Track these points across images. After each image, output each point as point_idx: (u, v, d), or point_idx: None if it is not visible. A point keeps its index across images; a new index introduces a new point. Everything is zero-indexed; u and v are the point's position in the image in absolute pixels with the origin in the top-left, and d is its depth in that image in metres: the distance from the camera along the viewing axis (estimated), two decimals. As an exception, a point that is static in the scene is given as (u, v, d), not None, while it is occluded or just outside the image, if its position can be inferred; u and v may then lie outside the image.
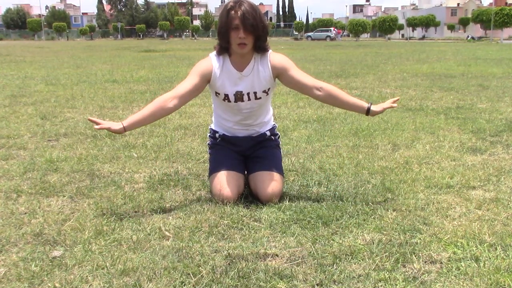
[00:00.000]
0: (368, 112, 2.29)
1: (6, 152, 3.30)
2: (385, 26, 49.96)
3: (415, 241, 1.87)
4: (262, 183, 2.29)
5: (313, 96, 2.32)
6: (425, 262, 1.71)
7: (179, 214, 2.18)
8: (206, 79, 2.26)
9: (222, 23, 2.15)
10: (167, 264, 1.68)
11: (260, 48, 2.24)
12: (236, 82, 2.27)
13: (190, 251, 1.79)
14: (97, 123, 2.08)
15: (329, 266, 1.68)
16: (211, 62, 2.26)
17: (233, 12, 2.10)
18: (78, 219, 2.12)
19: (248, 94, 2.29)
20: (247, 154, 2.47)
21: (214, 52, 2.28)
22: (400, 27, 54.33)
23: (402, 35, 64.66)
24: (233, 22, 2.10)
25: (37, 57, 15.70)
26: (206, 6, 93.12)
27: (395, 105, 2.32)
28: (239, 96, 2.28)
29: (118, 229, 2.00)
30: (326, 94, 2.28)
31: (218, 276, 1.61)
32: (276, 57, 2.32)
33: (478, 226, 2.00)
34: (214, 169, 2.37)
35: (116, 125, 2.11)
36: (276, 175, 2.33)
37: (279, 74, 2.31)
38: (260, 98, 2.33)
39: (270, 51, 2.31)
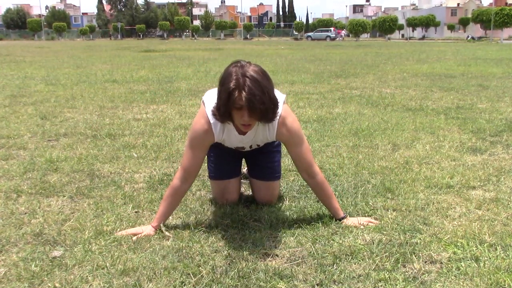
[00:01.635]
0: (339, 220, 2.10)
1: (6, 152, 3.30)
2: (385, 26, 49.95)
3: (415, 241, 1.87)
4: (259, 192, 2.31)
5: (303, 178, 2.19)
6: (425, 262, 1.71)
7: (179, 214, 2.18)
8: (209, 146, 2.10)
9: (222, 101, 1.80)
10: (167, 264, 1.68)
11: (268, 121, 1.93)
12: (238, 140, 2.10)
13: (190, 251, 1.80)
14: (134, 234, 1.95)
15: (329, 266, 1.68)
16: (212, 131, 1.99)
17: (236, 93, 1.74)
18: (78, 219, 2.12)
19: (250, 146, 2.19)
20: (246, 156, 2.43)
21: (212, 117, 1.94)
22: (400, 27, 54.31)
23: (402, 35, 64.64)
24: (236, 103, 1.76)
25: (37, 57, 15.70)
26: (206, 6, 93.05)
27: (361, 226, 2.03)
28: (240, 148, 2.20)
29: (118, 229, 2.00)
30: (313, 186, 2.14)
31: (218, 276, 1.61)
32: (284, 127, 2.00)
33: (478, 226, 2.00)
34: (215, 173, 2.32)
35: (149, 230, 1.97)
36: (273, 184, 2.31)
37: (283, 142, 2.16)
38: (262, 146, 2.26)
39: (280, 114, 1.97)
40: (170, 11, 78.83)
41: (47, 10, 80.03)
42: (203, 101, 2.07)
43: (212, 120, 1.96)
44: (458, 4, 73.81)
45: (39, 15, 71.60)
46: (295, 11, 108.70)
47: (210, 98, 2.01)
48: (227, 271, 1.64)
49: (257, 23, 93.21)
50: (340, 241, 1.87)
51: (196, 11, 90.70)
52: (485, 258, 1.72)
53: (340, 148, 3.38)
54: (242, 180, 2.52)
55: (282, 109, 1.97)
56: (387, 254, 1.75)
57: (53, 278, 1.61)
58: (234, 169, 2.35)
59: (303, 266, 1.69)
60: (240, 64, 1.81)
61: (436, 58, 14.12)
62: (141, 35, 68.24)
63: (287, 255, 1.77)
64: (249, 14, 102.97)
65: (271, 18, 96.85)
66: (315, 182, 2.10)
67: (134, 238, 1.92)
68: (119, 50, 22.16)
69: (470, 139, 3.64)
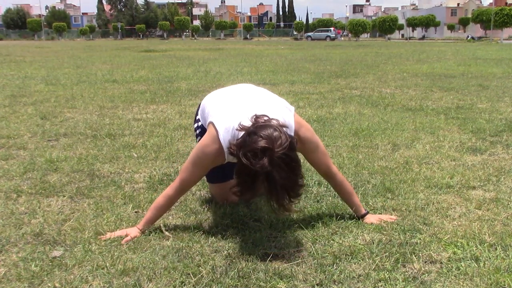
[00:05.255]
0: (361, 217, 2.10)
1: (6, 152, 3.30)
2: (385, 26, 49.93)
3: (415, 241, 1.87)
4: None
5: (324, 179, 2.21)
6: (425, 262, 1.71)
7: (179, 214, 2.18)
8: None
9: (247, 183, 1.67)
10: (167, 264, 1.68)
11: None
12: None
13: (190, 251, 1.79)
14: (119, 236, 1.92)
15: (329, 266, 1.68)
16: (224, 156, 1.88)
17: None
18: (78, 219, 2.12)
19: None
20: None
21: (225, 146, 1.83)
22: (400, 27, 54.30)
23: (402, 35, 64.62)
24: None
25: (37, 57, 15.70)
26: (206, 6, 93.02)
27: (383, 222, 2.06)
28: None
29: (118, 229, 2.00)
30: (334, 185, 2.15)
31: (218, 276, 1.61)
32: (299, 137, 1.91)
33: (478, 226, 2.00)
34: (214, 177, 2.28)
35: (135, 232, 1.94)
36: None
37: (299, 151, 2.04)
38: None
39: (293, 128, 1.90)
40: (170, 11, 78.83)
41: (47, 10, 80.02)
42: (212, 123, 1.91)
43: (226, 150, 1.82)
44: (458, 4, 73.83)
45: (39, 15, 71.58)
46: (295, 11, 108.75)
47: (222, 120, 1.89)
48: (227, 271, 1.64)
49: (257, 23, 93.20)
50: (340, 241, 1.87)
51: (196, 11, 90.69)
52: (485, 258, 1.72)
53: (340, 148, 3.38)
54: None
55: (293, 123, 1.92)
56: (387, 254, 1.75)
57: (53, 278, 1.61)
58: (232, 170, 2.33)
59: (303, 266, 1.69)
60: (267, 151, 1.58)
61: (436, 58, 14.12)
62: (141, 35, 68.26)
63: (287, 255, 1.77)
64: (249, 14, 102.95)
65: (271, 18, 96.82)
66: (335, 182, 2.12)
67: (123, 241, 1.87)
68: (119, 50, 22.16)
69: (470, 139, 3.64)
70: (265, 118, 1.71)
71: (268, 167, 1.58)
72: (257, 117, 1.72)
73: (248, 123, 1.71)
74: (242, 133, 1.70)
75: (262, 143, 1.59)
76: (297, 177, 1.66)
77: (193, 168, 1.94)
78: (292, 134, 1.84)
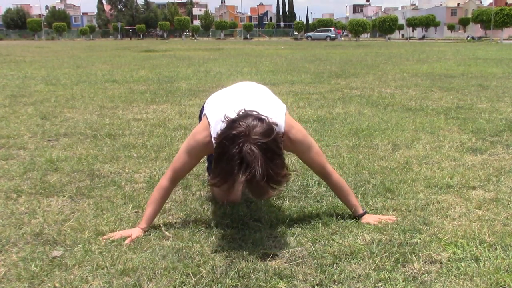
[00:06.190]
0: (359, 217, 2.10)
1: (6, 152, 3.30)
2: (385, 26, 49.94)
3: (415, 241, 1.87)
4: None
5: (320, 178, 2.21)
6: (425, 262, 1.71)
7: (179, 214, 2.18)
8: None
9: (223, 175, 1.65)
10: (167, 264, 1.68)
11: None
12: None
13: (190, 251, 1.80)
14: (122, 236, 1.92)
15: (329, 266, 1.68)
16: (213, 145, 1.84)
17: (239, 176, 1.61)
18: (78, 219, 2.12)
19: None
20: None
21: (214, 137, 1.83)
22: (400, 27, 54.34)
23: (402, 35, 64.65)
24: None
25: (37, 57, 15.70)
26: (206, 6, 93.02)
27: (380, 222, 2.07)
28: None
29: (118, 229, 2.00)
30: (330, 185, 2.15)
31: (218, 276, 1.61)
32: (288, 140, 1.92)
33: (478, 226, 2.00)
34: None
35: (138, 232, 1.95)
36: None
37: (291, 152, 2.10)
38: None
39: (283, 130, 1.89)
40: (170, 11, 78.91)
41: (47, 10, 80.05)
42: (205, 114, 1.98)
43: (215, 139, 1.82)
44: (458, 4, 73.86)
45: (39, 15, 71.61)
46: (295, 11, 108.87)
47: (214, 113, 1.94)
48: (227, 271, 1.64)
49: (257, 23, 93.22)
50: (340, 241, 1.87)
51: (196, 11, 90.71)
52: (485, 258, 1.72)
53: (340, 148, 3.38)
54: None
55: (284, 123, 1.92)
56: (387, 254, 1.75)
57: (53, 278, 1.61)
58: None
59: (303, 266, 1.69)
60: (242, 137, 1.61)
61: (436, 58, 14.12)
62: (141, 35, 68.28)
63: (287, 255, 1.77)
64: (249, 14, 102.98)
65: (271, 18, 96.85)
66: (331, 182, 2.12)
67: (126, 242, 1.87)
68: (119, 50, 22.16)
69: (470, 139, 3.64)
70: (254, 113, 1.72)
71: (243, 151, 1.58)
72: (245, 110, 1.75)
73: (233, 115, 1.74)
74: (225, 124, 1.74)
75: (239, 129, 1.63)
76: (275, 166, 1.63)
77: (185, 156, 1.99)
78: (281, 132, 1.84)
